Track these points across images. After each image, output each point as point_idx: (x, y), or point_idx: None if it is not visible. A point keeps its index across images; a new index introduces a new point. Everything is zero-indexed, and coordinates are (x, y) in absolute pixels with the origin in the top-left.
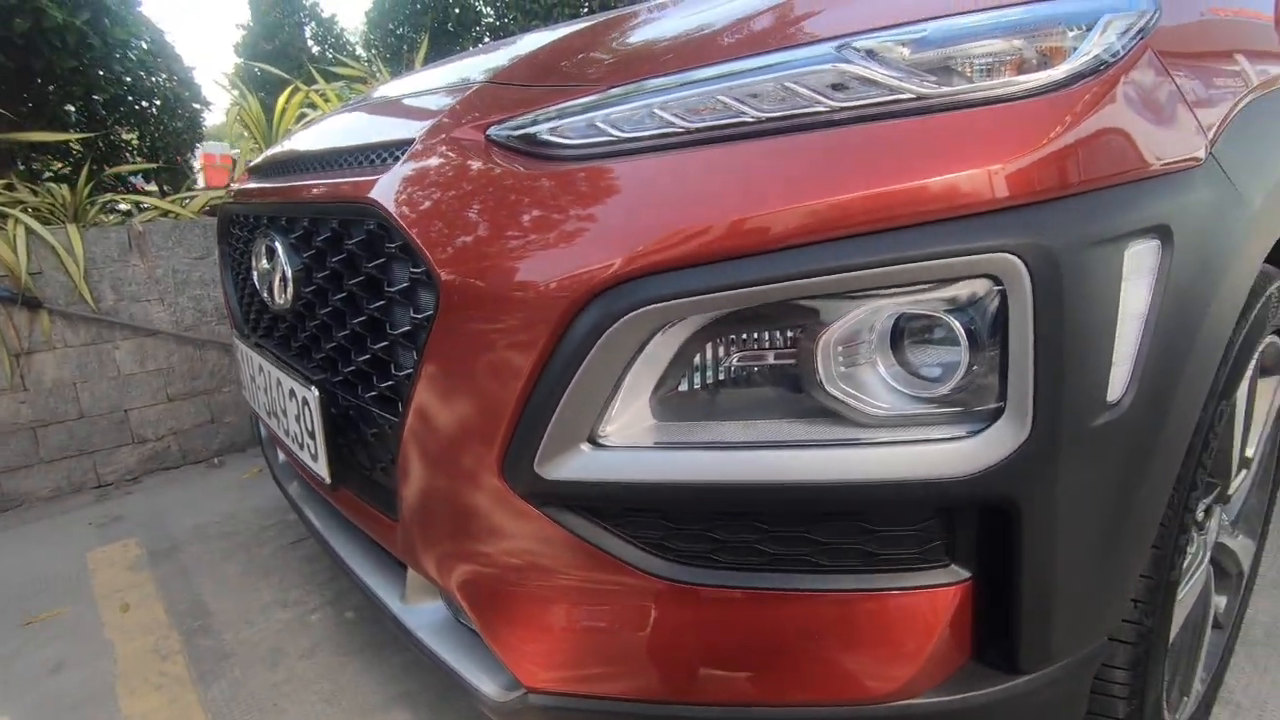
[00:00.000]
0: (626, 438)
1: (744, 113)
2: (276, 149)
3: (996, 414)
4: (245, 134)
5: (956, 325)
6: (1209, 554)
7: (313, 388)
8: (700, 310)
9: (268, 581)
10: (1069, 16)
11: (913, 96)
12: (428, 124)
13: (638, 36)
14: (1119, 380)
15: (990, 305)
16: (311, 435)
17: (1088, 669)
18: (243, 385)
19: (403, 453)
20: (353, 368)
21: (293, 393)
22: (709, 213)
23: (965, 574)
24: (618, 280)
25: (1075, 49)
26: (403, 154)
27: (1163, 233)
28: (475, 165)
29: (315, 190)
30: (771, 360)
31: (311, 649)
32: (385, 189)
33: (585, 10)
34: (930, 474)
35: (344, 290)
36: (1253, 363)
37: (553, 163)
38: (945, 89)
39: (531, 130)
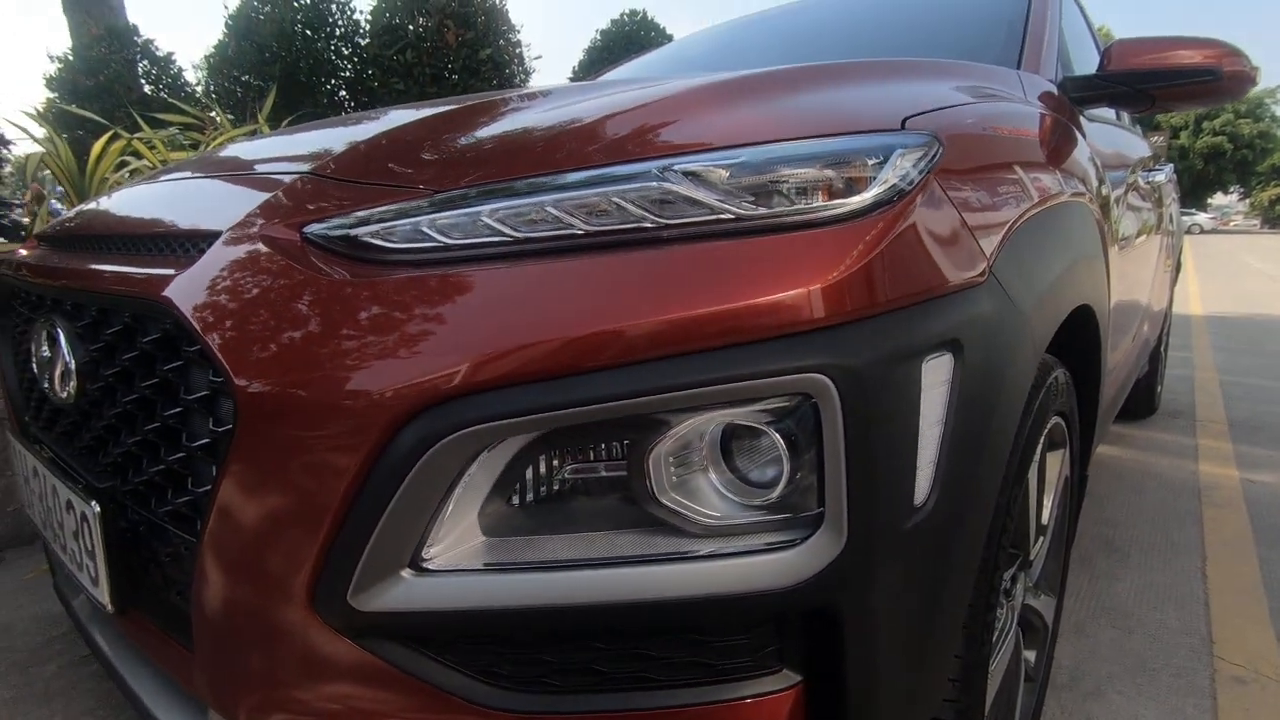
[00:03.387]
0: (452, 559)
1: (573, 225)
2: (69, 216)
3: (818, 522)
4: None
5: (777, 436)
6: (1016, 617)
7: (93, 502)
8: (525, 430)
9: (48, 709)
10: (868, 149)
11: (731, 217)
12: (240, 213)
13: (480, 132)
14: (924, 484)
15: (806, 419)
16: (91, 555)
17: None
18: (19, 486)
19: (199, 578)
20: (143, 478)
21: (70, 505)
22: (536, 330)
23: (797, 678)
24: (439, 399)
25: (874, 178)
26: (208, 246)
27: (954, 346)
28: (287, 266)
29: (105, 277)
30: (602, 473)
31: None
32: (184, 287)
33: (448, 70)
34: (759, 586)
35: (135, 392)
36: (1040, 445)
37: (372, 267)
38: (761, 210)
39: (352, 232)
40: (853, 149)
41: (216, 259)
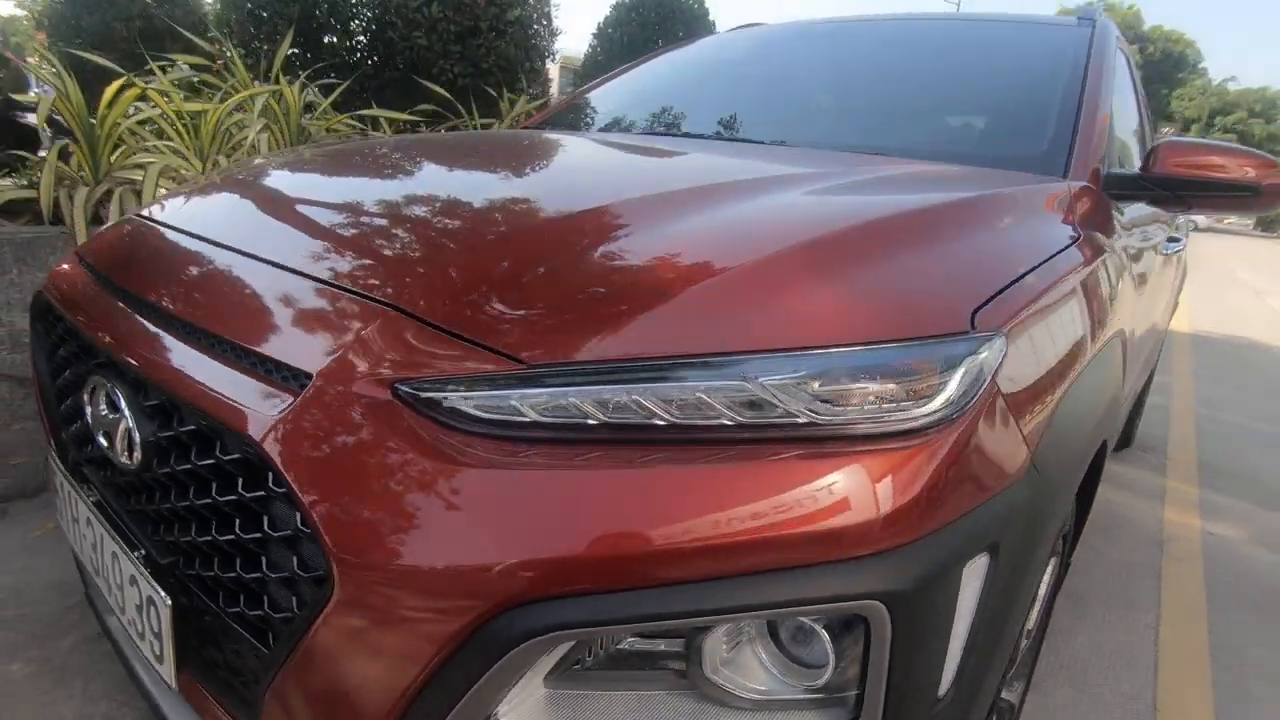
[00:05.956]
0: (519, 718)
1: (656, 415)
2: (117, 236)
3: (857, 707)
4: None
5: (827, 637)
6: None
7: (165, 595)
8: (600, 635)
9: (68, 688)
10: (938, 357)
11: (805, 422)
12: (328, 352)
13: (572, 279)
14: (948, 677)
15: (856, 628)
16: (158, 637)
17: None
18: (63, 525)
19: (275, 697)
20: (212, 575)
21: (134, 580)
22: (622, 542)
23: None
24: (527, 600)
25: (941, 387)
26: (294, 382)
27: (993, 548)
28: (381, 428)
29: (184, 380)
30: (661, 648)
31: None
32: (276, 435)
33: (477, 29)
34: None
35: (209, 497)
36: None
37: (464, 436)
38: (831, 419)
39: (445, 399)
40: (922, 357)
41: (308, 409)
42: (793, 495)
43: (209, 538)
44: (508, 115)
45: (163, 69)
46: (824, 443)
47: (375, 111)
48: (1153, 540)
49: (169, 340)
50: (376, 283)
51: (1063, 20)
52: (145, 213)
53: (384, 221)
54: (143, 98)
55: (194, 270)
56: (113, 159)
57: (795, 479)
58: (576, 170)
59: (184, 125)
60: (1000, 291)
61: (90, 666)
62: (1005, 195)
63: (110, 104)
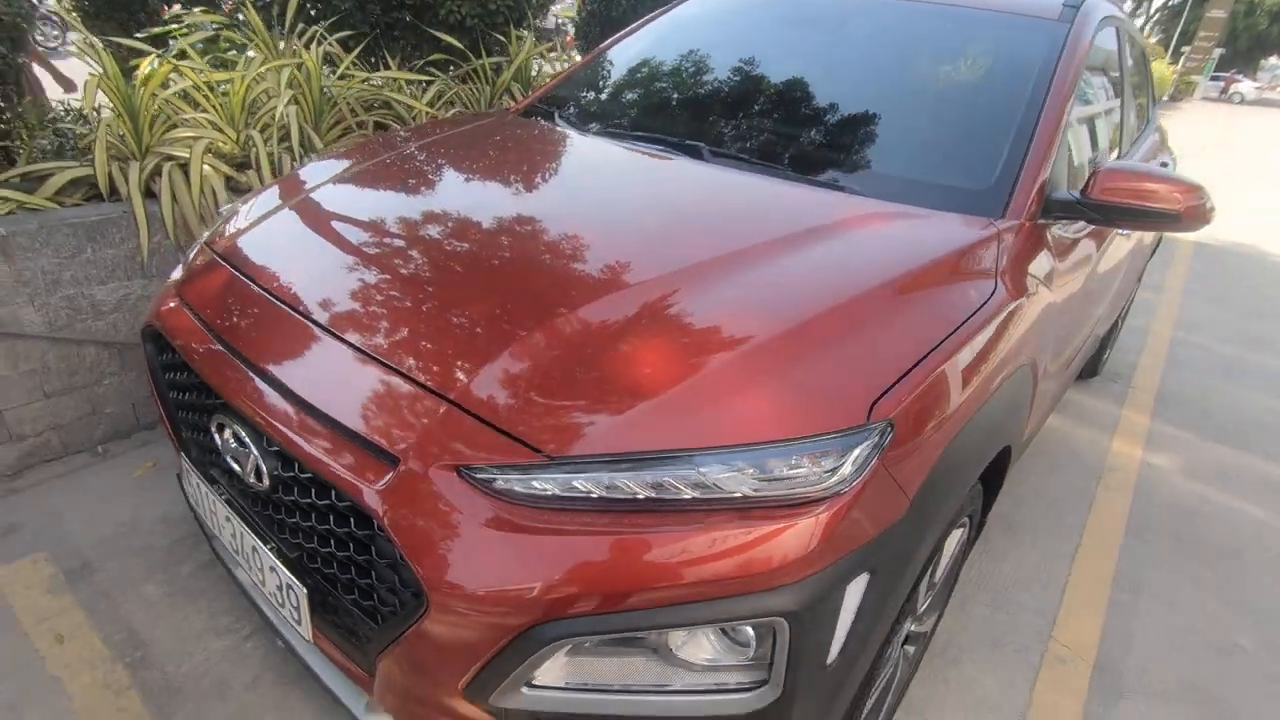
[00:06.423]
0: (548, 681)
1: (635, 492)
2: (217, 288)
3: (767, 677)
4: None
5: (750, 631)
6: (902, 641)
7: (300, 584)
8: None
9: (195, 607)
10: (839, 445)
11: (740, 496)
12: (408, 438)
13: (584, 390)
14: (833, 653)
15: (766, 628)
16: (296, 609)
17: None
18: (188, 495)
19: (387, 661)
20: (331, 573)
21: (273, 569)
22: (622, 579)
23: None
24: (554, 617)
25: (837, 467)
26: (391, 464)
27: (872, 569)
28: (453, 500)
29: (297, 440)
30: (640, 638)
31: (254, 680)
32: (380, 500)
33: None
34: (729, 712)
35: (328, 525)
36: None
37: (509, 505)
38: (758, 493)
39: (498, 483)
40: (826, 449)
41: (401, 482)
42: (730, 547)
43: (328, 549)
44: (517, 57)
45: (172, 29)
46: (751, 510)
47: (394, 74)
48: (1094, 472)
49: (279, 401)
50: (440, 376)
51: (1043, 10)
52: (221, 250)
53: (436, 304)
54: (175, 69)
55: (290, 338)
56: (153, 133)
57: (732, 537)
58: (582, 250)
59: (214, 97)
60: (895, 383)
61: (209, 588)
62: (924, 270)
63: (145, 81)
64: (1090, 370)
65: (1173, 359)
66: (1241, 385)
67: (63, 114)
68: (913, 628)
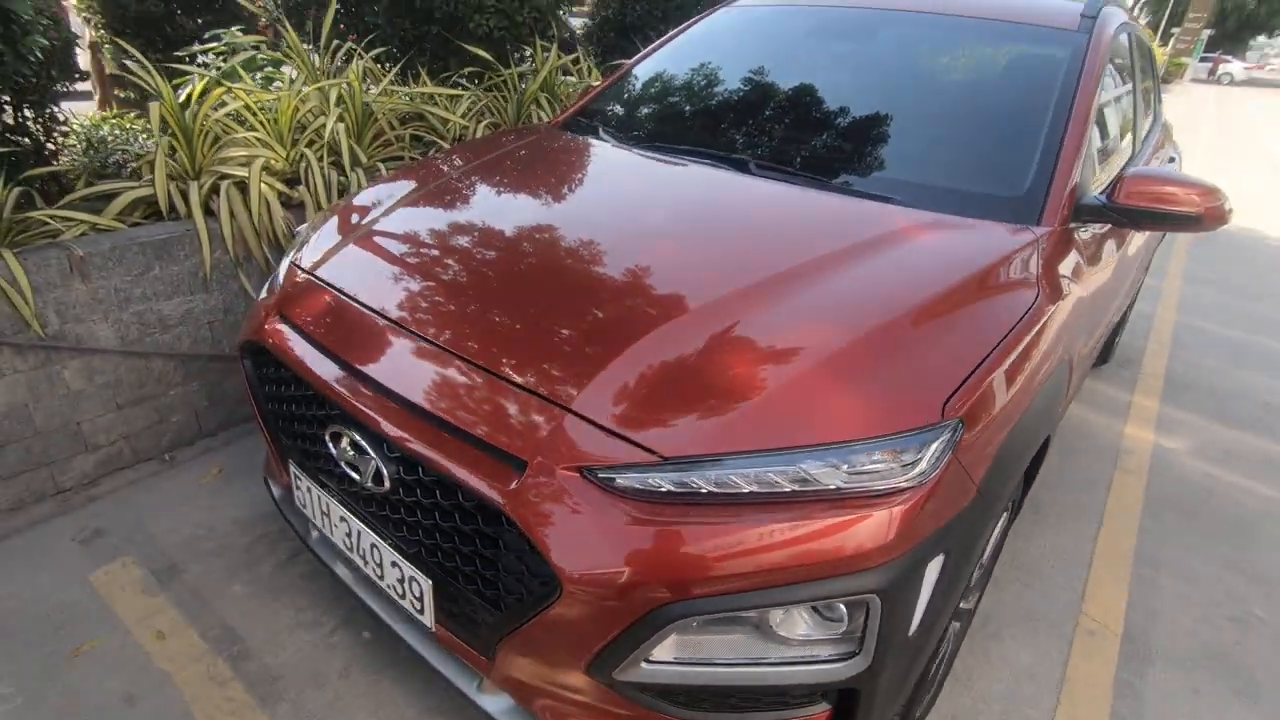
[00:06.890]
0: (663, 656)
1: (740, 487)
2: (318, 306)
3: (859, 647)
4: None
5: (844, 608)
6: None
7: (425, 577)
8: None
9: (281, 602)
10: (915, 442)
11: (834, 488)
12: (533, 443)
13: (691, 393)
14: (915, 625)
15: (861, 604)
16: (419, 600)
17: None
18: (298, 500)
19: (512, 642)
20: (454, 565)
21: (395, 564)
22: (725, 564)
23: (828, 706)
24: (670, 601)
25: (917, 461)
26: (519, 468)
27: (947, 551)
28: (578, 497)
29: (424, 449)
30: (743, 616)
31: (345, 669)
32: (513, 501)
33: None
34: (824, 679)
35: (454, 523)
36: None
37: (629, 502)
38: (847, 486)
39: (617, 482)
40: (906, 445)
41: (531, 481)
42: (826, 534)
43: (450, 544)
44: (543, 67)
45: (211, 46)
46: (844, 500)
47: (428, 89)
48: (1110, 455)
49: (403, 413)
50: (555, 386)
51: (1062, 17)
52: (317, 271)
53: (537, 318)
54: (229, 90)
55: (403, 353)
56: (206, 152)
57: (828, 525)
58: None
59: (265, 117)
60: (963, 382)
61: (291, 585)
62: (977, 276)
63: (195, 100)
64: (1102, 357)
65: (1179, 342)
66: (1245, 367)
67: (111, 133)
68: (960, 604)
